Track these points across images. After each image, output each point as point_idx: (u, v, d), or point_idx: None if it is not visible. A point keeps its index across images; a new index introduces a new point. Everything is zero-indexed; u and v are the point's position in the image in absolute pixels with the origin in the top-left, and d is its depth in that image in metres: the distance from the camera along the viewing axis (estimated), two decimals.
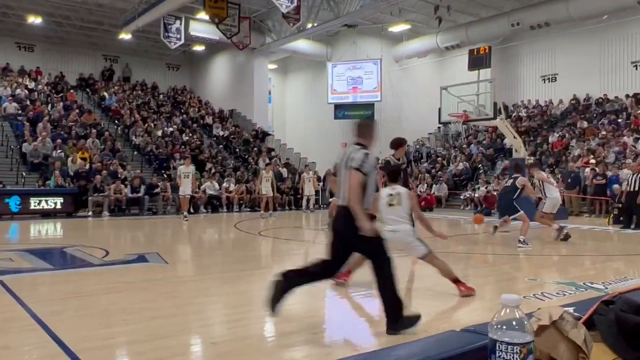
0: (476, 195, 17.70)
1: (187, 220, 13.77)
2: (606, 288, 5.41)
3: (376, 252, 3.84)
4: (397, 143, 7.65)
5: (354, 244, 3.87)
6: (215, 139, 24.13)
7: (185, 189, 13.95)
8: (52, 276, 6.38)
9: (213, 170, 19.50)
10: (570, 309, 1.43)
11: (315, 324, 4.33)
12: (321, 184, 21.68)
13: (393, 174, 5.52)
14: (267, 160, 21.72)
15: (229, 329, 4.14)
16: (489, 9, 22.20)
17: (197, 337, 4.01)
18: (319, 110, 27.66)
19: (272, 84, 29.74)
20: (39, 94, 22.74)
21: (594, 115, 22.01)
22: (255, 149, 23.39)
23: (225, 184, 18.15)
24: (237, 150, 23.52)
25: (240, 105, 26.78)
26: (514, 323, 1.17)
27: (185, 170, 13.95)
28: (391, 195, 5.24)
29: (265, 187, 15.61)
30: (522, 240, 8.86)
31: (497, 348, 1.16)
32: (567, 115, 23.10)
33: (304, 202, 18.43)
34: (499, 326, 1.17)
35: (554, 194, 10.39)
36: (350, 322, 4.58)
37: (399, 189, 5.31)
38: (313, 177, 18.79)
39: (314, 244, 10.50)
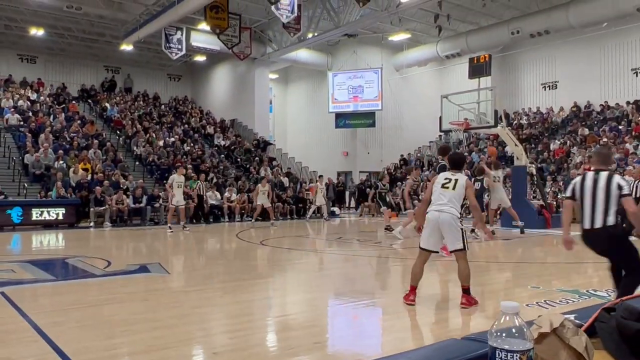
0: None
1: (188, 230, 13.63)
2: (609, 296, 5.39)
3: (633, 263, 4.23)
4: (445, 150, 8.36)
5: (617, 256, 4.38)
6: (216, 148, 24.18)
7: (180, 199, 13.83)
8: (53, 287, 6.38)
9: (215, 180, 19.52)
10: (572, 317, 1.43)
11: (316, 334, 4.32)
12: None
13: (456, 162, 5.44)
14: (269, 170, 21.76)
15: (231, 339, 4.13)
16: (489, 18, 22.32)
17: (199, 347, 4.00)
18: (320, 120, 27.75)
19: (273, 93, 29.85)
20: (41, 105, 22.85)
21: (595, 122, 22.03)
22: (256, 158, 23.44)
23: (226, 194, 18.16)
24: (239, 159, 23.56)
25: (242, 115, 26.87)
26: (513, 330, 1.16)
27: (179, 180, 13.83)
28: (448, 179, 5.13)
29: (262, 199, 15.62)
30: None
31: (497, 356, 1.16)
32: (568, 123, 23.12)
33: (310, 211, 18.55)
34: (498, 334, 1.17)
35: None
36: (352, 332, 4.56)
37: (459, 175, 5.18)
38: (324, 187, 18.98)
39: (318, 253, 10.49)
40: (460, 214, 5.07)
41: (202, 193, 17.19)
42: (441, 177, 5.19)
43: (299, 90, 30.40)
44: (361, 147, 26.65)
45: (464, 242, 4.95)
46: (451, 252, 5.13)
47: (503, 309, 1.19)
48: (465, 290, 4.96)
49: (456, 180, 5.09)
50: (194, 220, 16.87)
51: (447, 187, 5.07)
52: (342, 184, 24.69)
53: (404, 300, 5.07)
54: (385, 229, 12.59)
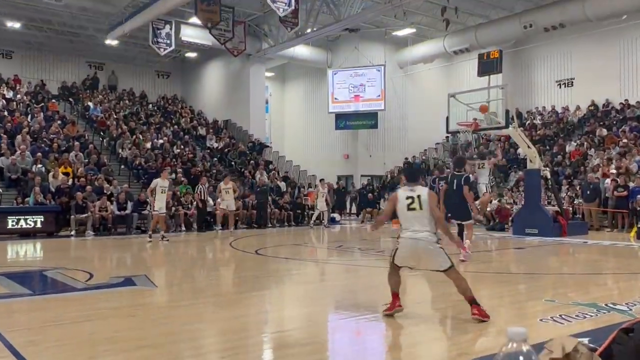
0: (488, 209, 17.68)
1: (151, 241, 13.25)
2: (630, 309, 5.39)
3: None
4: (461, 161, 9.18)
5: None
6: (209, 151, 24.18)
7: (162, 205, 13.58)
8: (30, 302, 6.35)
9: (207, 185, 19.48)
10: (585, 340, 1.43)
11: (316, 351, 4.31)
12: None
13: (412, 174, 5.42)
14: (265, 175, 21.74)
15: (224, 358, 4.12)
16: (500, 10, 22.37)
17: None
18: (319, 120, 27.78)
19: (269, 92, 29.89)
20: (18, 104, 22.82)
21: (614, 122, 22.05)
22: (251, 161, 23.44)
23: (219, 200, 18.11)
24: (233, 163, 23.56)
25: (236, 115, 26.89)
26: (520, 358, 1.16)
27: (162, 184, 13.57)
28: (411, 198, 5.10)
29: (226, 201, 15.43)
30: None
31: None
32: (585, 123, 23.15)
33: (314, 218, 18.74)
34: None
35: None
36: (354, 349, 4.55)
37: (418, 190, 5.15)
38: (326, 192, 19.03)
39: (317, 263, 10.47)
40: (435, 232, 5.10)
41: (204, 198, 17.07)
42: (402, 197, 5.14)
43: (296, 89, 30.44)
44: (363, 150, 26.67)
45: (449, 258, 5.02)
46: (443, 271, 5.09)
47: (509, 335, 1.19)
48: (472, 301, 4.99)
49: (419, 196, 5.08)
50: (184, 228, 16.87)
51: (414, 209, 5.06)
52: (343, 188, 24.70)
53: (387, 312, 5.12)
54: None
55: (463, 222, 9.60)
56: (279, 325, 5.39)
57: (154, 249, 12.26)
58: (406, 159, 25.38)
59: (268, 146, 26.61)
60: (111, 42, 24.05)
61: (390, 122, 26.47)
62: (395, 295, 5.18)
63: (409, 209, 5.07)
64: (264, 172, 22.04)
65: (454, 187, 9.51)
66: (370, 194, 22.14)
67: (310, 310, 5.92)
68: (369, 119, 25.90)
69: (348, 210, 24.60)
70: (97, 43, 25.41)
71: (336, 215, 21.74)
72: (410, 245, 5.03)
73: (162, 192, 13.52)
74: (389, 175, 23.79)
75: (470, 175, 10.79)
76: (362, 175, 25.82)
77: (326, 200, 18.91)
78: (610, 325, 4.17)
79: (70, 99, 25.64)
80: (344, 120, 26.25)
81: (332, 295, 6.95)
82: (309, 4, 21.21)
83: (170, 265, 10.24)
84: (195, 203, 17.17)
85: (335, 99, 26.15)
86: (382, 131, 26.31)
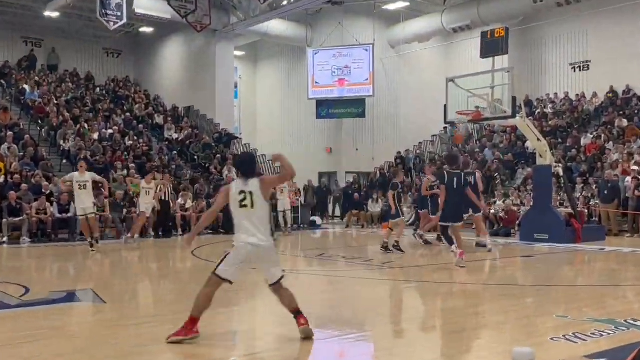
0: (492, 210, 17.86)
1: (94, 250, 12.63)
2: None
3: None
4: (454, 159, 10.04)
5: None
6: (167, 143, 24.03)
7: (87, 205, 12.76)
8: None
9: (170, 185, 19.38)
10: None
11: None
12: (302, 197, 21.67)
13: (244, 165, 5.32)
14: (233, 171, 21.65)
15: None
16: None
17: None
18: (298, 108, 27.78)
19: (238, 74, 29.78)
20: None
21: (636, 111, 22.39)
22: (218, 155, 23.36)
23: (180, 200, 18.03)
24: (196, 157, 23.45)
25: (199, 101, 26.74)
26: None
27: (80, 179, 12.75)
28: (242, 192, 5.04)
29: (145, 204, 14.99)
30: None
31: None
32: (603, 112, 23.48)
33: (281, 219, 18.17)
34: None
35: None
36: None
37: (252, 185, 5.04)
38: (289, 188, 18.53)
39: (294, 274, 10.45)
40: (272, 230, 5.22)
41: (167, 199, 16.81)
42: (235, 191, 5.08)
43: (271, 71, 30.39)
44: (348, 143, 26.72)
45: (281, 269, 5.20)
46: (273, 284, 5.17)
47: (515, 356, 1.21)
48: (298, 312, 5.15)
49: (251, 193, 5.03)
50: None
51: (246, 206, 5.04)
52: (325, 187, 24.73)
53: (175, 336, 4.97)
54: (394, 246, 12.10)
55: (455, 224, 9.76)
56: (250, 346, 5.39)
57: (101, 259, 12.15)
58: (398, 153, 25.51)
59: (237, 138, 26.52)
60: (51, 14, 23.74)
61: (380, 111, 26.56)
62: (193, 321, 5.01)
63: (241, 205, 5.05)
64: (233, 168, 21.97)
65: (454, 187, 9.71)
66: (356, 194, 22.19)
67: (286, 330, 5.90)
68: (356, 107, 25.94)
69: (331, 213, 24.63)
70: (34, 15, 25.07)
71: (317, 219, 21.75)
72: (250, 251, 5.02)
73: (80, 189, 12.68)
74: (378, 172, 23.85)
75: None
76: (347, 172, 25.88)
77: (303, 201, 18.60)
78: (630, 344, 4.23)
79: (2, 81, 25.26)
80: (326, 107, 26.27)
81: (312, 311, 6.92)
82: None
83: (121, 278, 10.17)
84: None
85: (316, 83, 26.15)
86: (370, 121, 26.39)
